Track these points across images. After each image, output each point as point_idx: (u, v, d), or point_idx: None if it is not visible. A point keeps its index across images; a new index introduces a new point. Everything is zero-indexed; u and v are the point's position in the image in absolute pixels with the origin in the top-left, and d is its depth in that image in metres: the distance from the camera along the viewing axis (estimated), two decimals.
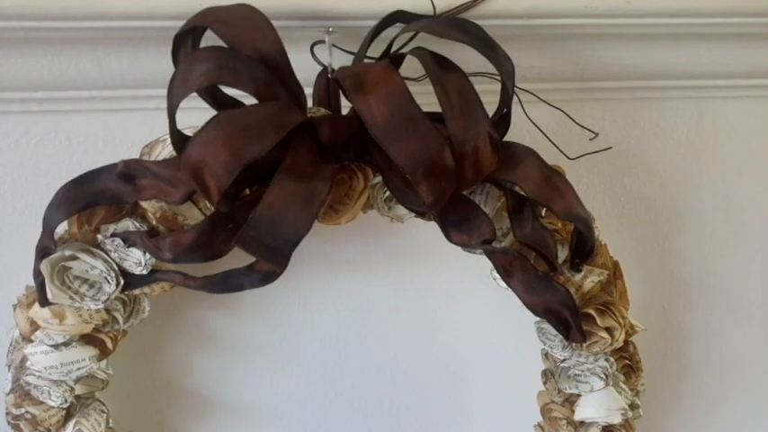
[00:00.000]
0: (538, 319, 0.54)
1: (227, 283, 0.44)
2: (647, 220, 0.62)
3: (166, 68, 0.41)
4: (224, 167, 0.35)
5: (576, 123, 0.47)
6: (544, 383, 0.58)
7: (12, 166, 0.54)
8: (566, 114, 0.47)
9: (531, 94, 0.48)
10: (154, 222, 0.45)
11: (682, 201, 0.61)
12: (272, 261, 0.38)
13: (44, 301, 0.47)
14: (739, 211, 0.62)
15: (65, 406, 0.51)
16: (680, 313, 0.65)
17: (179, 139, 0.38)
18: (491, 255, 0.45)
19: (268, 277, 0.43)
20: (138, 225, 0.46)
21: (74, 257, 0.46)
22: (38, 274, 0.46)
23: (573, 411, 0.55)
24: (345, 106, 0.44)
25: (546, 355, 0.56)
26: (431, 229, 0.57)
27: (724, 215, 0.62)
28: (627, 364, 0.54)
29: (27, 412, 0.51)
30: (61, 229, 0.48)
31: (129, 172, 0.43)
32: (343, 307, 0.60)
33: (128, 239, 0.46)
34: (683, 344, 0.66)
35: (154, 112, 0.53)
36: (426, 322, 0.61)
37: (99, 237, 0.46)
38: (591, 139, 0.47)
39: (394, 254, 0.59)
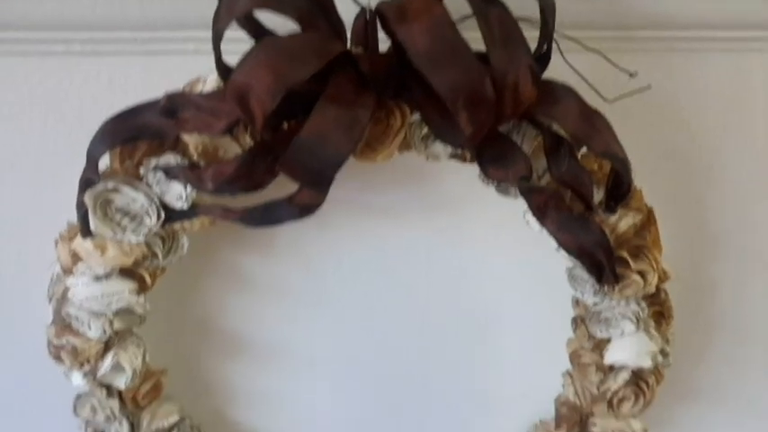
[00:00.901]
0: (570, 265, 0.54)
1: (266, 216, 0.44)
2: (679, 173, 0.61)
3: (207, 10, 0.41)
4: (268, 91, 0.35)
5: (613, 64, 0.46)
6: (574, 330, 0.58)
7: (54, 106, 0.54)
8: (603, 56, 0.46)
9: (570, 38, 0.47)
10: (195, 157, 0.46)
11: (713, 154, 0.60)
12: (314, 185, 0.38)
13: (86, 233, 0.48)
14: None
15: (104, 338, 0.52)
16: (709, 266, 0.64)
17: (224, 67, 0.38)
18: (527, 193, 0.45)
19: (306, 210, 0.44)
20: (179, 159, 0.46)
21: (116, 190, 0.47)
22: (81, 206, 0.47)
23: (602, 356, 0.55)
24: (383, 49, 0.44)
25: (576, 302, 0.56)
26: (461, 178, 0.57)
27: (755, 170, 0.61)
28: (658, 310, 0.54)
29: (68, 343, 0.52)
30: (103, 165, 0.49)
31: (172, 106, 0.43)
32: (374, 252, 0.60)
33: (170, 172, 0.46)
34: (712, 297, 0.65)
35: (193, 56, 0.53)
36: (455, 269, 0.61)
37: (141, 170, 0.47)
38: (631, 76, 0.46)
39: (425, 201, 0.59)
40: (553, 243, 0.51)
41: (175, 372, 0.59)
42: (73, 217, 0.50)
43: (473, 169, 0.55)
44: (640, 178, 0.55)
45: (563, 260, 0.55)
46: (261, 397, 0.64)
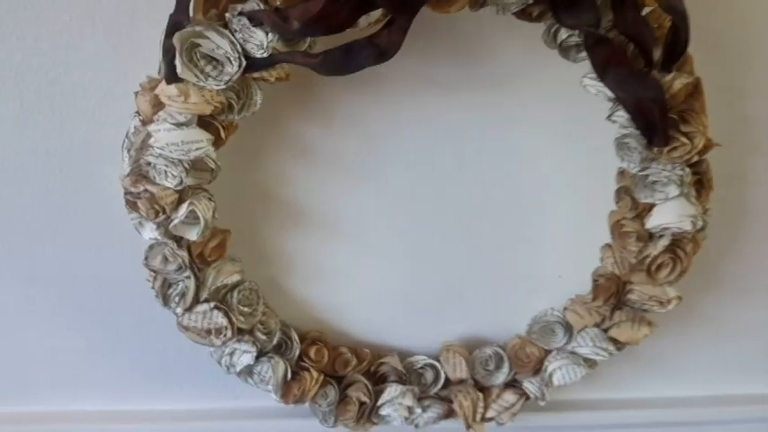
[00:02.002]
0: (620, 134, 0.56)
1: (346, 60, 0.47)
2: (721, 58, 0.62)
3: None
4: None
5: None
6: (617, 202, 0.60)
7: None
8: None
9: None
10: (279, 2, 0.48)
11: (754, 36, 0.61)
12: (400, 9, 0.40)
13: (172, 77, 0.50)
14: None
15: (179, 188, 0.55)
16: (745, 155, 0.66)
17: None
18: (594, 46, 0.47)
19: (384, 53, 0.46)
20: (263, 5, 0.48)
21: (203, 35, 0.49)
22: (169, 50, 0.49)
23: (644, 224, 0.57)
24: None
25: (622, 173, 0.59)
26: (517, 58, 0.59)
27: None
28: (699, 180, 0.56)
29: (146, 190, 0.54)
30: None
31: None
32: (429, 127, 0.62)
33: (254, 18, 0.48)
34: (746, 188, 0.68)
35: None
36: (505, 148, 0.64)
37: (227, 15, 0.49)
38: None
39: (481, 79, 0.61)
40: (599, 109, 0.54)
41: (235, 239, 0.62)
42: (150, 72, 0.52)
43: (527, 46, 0.57)
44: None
45: (612, 132, 0.57)
46: (314, 268, 0.67)
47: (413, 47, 0.57)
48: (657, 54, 0.49)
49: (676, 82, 0.50)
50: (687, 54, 0.51)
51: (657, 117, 0.49)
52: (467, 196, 0.66)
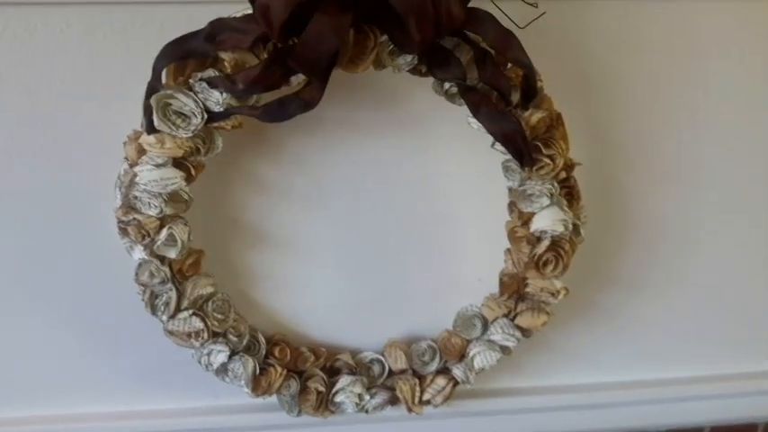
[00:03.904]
0: (504, 159, 0.72)
1: (280, 110, 0.62)
2: (585, 95, 0.76)
3: None
4: (281, 6, 0.53)
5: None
6: (510, 214, 0.75)
7: (122, 51, 0.72)
8: None
9: None
10: (229, 70, 0.63)
11: (615, 79, 0.76)
12: (315, 74, 0.55)
13: (151, 129, 0.65)
14: (665, 87, 0.77)
15: (160, 215, 0.69)
16: (620, 176, 0.81)
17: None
18: (465, 93, 0.62)
19: (309, 104, 0.61)
20: (217, 73, 0.64)
21: (173, 96, 0.64)
22: (147, 108, 0.65)
23: (529, 228, 0.72)
24: None
25: (510, 190, 0.73)
26: (426, 103, 0.74)
27: (650, 91, 0.77)
28: (568, 192, 0.71)
29: (134, 219, 0.69)
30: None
31: (213, 30, 0.61)
32: (361, 162, 0.76)
33: (211, 82, 0.63)
34: (624, 201, 0.82)
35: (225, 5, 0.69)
36: (424, 175, 0.77)
37: (190, 81, 0.64)
38: (533, 5, 0.63)
39: (399, 120, 0.75)
40: (489, 140, 0.69)
41: (208, 257, 0.75)
42: (135, 127, 0.68)
43: (432, 93, 0.73)
44: (558, 104, 0.71)
45: (501, 157, 0.73)
46: (275, 281, 0.81)
47: (342, 99, 0.73)
48: (516, 97, 0.65)
49: (533, 117, 0.65)
50: (543, 95, 0.66)
51: (521, 144, 0.64)
52: (396, 217, 0.80)
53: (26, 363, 0.80)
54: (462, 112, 0.67)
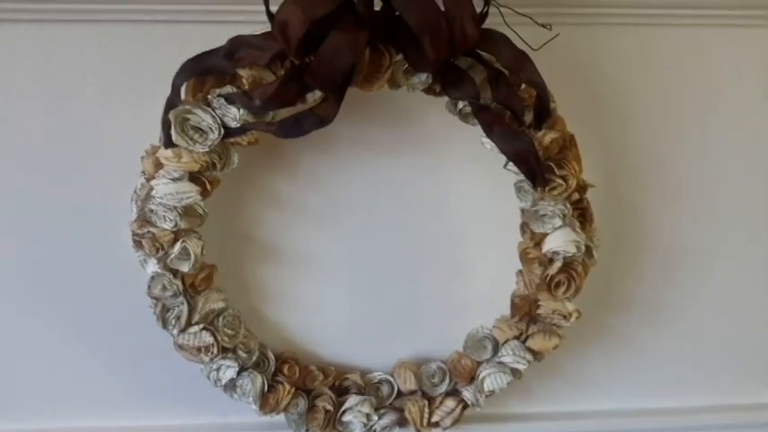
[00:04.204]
0: (516, 180, 0.72)
1: (296, 126, 0.63)
2: (598, 116, 0.77)
3: None
4: (300, 22, 0.54)
5: (532, 20, 0.64)
6: (522, 235, 0.75)
7: (142, 67, 0.73)
8: (528, 17, 0.64)
9: (503, 5, 0.66)
10: (246, 86, 0.65)
11: (627, 100, 0.77)
12: (330, 89, 0.57)
13: (168, 144, 0.67)
14: (677, 108, 0.78)
15: (174, 229, 0.71)
16: (634, 198, 0.81)
17: (269, 14, 0.58)
18: (479, 112, 0.63)
19: (323, 120, 0.62)
20: (235, 89, 0.66)
21: (191, 111, 0.66)
22: (166, 123, 0.66)
23: (542, 250, 0.72)
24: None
25: (523, 211, 0.74)
26: (440, 123, 0.75)
27: (662, 112, 0.79)
28: (581, 213, 0.71)
29: (149, 232, 0.70)
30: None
31: (232, 47, 0.62)
32: (375, 180, 0.77)
33: (228, 98, 0.65)
34: (637, 223, 0.82)
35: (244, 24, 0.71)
36: (437, 195, 0.78)
37: (209, 97, 0.66)
38: (546, 27, 0.64)
39: (413, 139, 0.76)
40: (502, 160, 0.70)
41: (220, 272, 0.76)
42: (152, 141, 0.69)
43: (447, 113, 0.74)
44: (571, 125, 0.72)
45: (514, 178, 0.73)
46: (287, 298, 0.81)
47: (357, 117, 0.75)
48: (530, 117, 0.66)
49: (546, 137, 0.66)
50: (556, 116, 0.67)
51: (534, 164, 0.65)
52: (410, 236, 0.81)
53: (34, 375, 0.81)
54: (476, 132, 0.68)
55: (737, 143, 0.81)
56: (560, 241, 0.68)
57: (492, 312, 0.81)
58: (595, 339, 0.85)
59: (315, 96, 0.64)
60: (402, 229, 0.79)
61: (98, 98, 0.71)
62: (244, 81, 0.64)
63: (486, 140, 0.66)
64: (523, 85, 0.65)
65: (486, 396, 0.78)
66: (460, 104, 0.66)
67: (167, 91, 0.64)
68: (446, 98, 0.67)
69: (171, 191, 0.67)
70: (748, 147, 0.82)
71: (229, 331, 0.76)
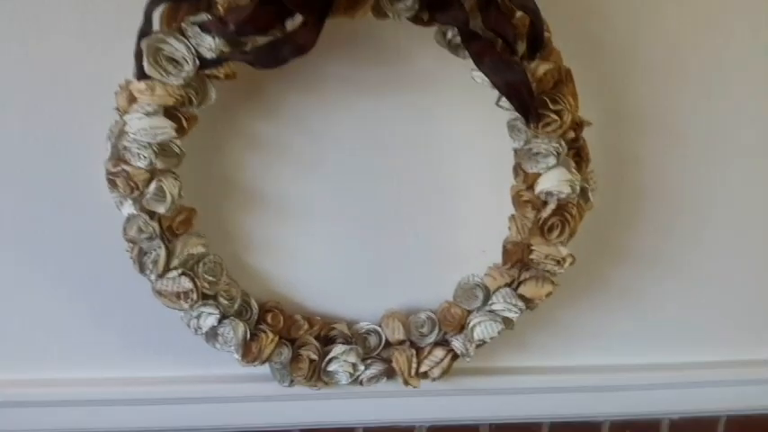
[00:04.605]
0: (510, 117, 0.69)
1: (272, 54, 0.60)
2: (598, 56, 0.74)
3: None
4: None
5: None
6: (515, 177, 0.72)
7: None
8: None
9: None
10: (222, 12, 0.62)
11: (631, 45, 0.74)
12: (307, 10, 0.53)
13: (141, 75, 0.63)
14: (681, 52, 0.75)
15: (150, 168, 0.68)
16: (634, 143, 0.78)
17: None
18: (468, 41, 0.60)
19: (302, 48, 0.59)
20: (210, 17, 0.62)
21: (164, 41, 0.63)
22: (138, 54, 0.63)
23: (534, 192, 0.69)
24: None
25: (515, 152, 0.71)
26: (430, 61, 0.71)
27: (665, 58, 0.75)
28: (576, 153, 0.68)
29: (123, 170, 0.67)
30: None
31: None
32: (362, 122, 0.74)
33: (203, 26, 0.62)
34: (637, 169, 0.79)
35: None
36: (427, 138, 0.75)
37: (183, 26, 0.63)
38: None
39: (402, 79, 0.73)
40: (495, 96, 0.66)
41: (201, 218, 0.73)
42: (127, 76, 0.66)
43: (438, 51, 0.70)
44: (571, 64, 0.69)
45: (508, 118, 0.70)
46: (270, 245, 0.79)
47: (344, 55, 0.71)
48: (523, 47, 0.62)
49: (540, 68, 0.62)
50: (551, 47, 0.63)
51: (527, 97, 0.61)
52: (399, 181, 0.77)
53: (6, 324, 0.79)
54: (467, 69, 0.64)
55: (745, 90, 0.78)
56: (554, 181, 0.66)
57: (485, 262, 0.78)
58: (592, 291, 0.82)
59: (294, 24, 0.61)
60: (391, 174, 0.76)
61: (71, 31, 0.68)
62: (219, 7, 0.61)
63: (478, 74, 0.63)
64: (518, 14, 0.61)
65: (477, 346, 0.76)
66: (450, 34, 0.63)
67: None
68: (435, 30, 0.63)
69: (145, 125, 0.64)
70: (754, 93, 0.78)
71: (210, 278, 0.73)
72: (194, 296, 0.72)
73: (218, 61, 0.62)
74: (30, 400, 0.78)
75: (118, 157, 0.67)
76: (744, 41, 0.75)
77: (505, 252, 0.72)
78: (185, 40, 0.62)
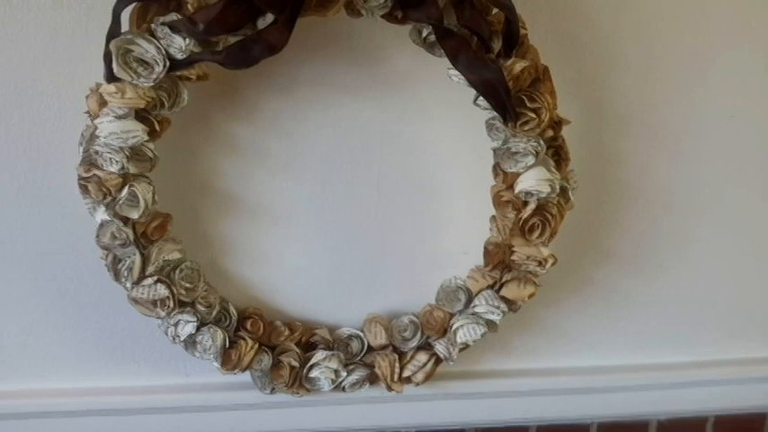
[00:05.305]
0: (488, 117, 0.68)
1: (243, 53, 0.59)
2: (580, 58, 0.73)
3: None
4: None
5: None
6: (495, 177, 0.71)
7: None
8: None
9: None
10: (191, 11, 0.61)
11: (611, 43, 0.73)
12: (277, 8, 0.52)
13: (111, 78, 0.62)
14: (665, 49, 0.74)
15: (122, 172, 0.66)
16: (616, 142, 0.77)
17: None
18: (442, 38, 0.59)
19: (272, 48, 0.58)
20: (179, 16, 0.61)
21: (133, 42, 0.62)
22: (107, 56, 0.62)
23: (514, 192, 0.68)
24: None
25: (495, 152, 0.70)
26: (407, 62, 0.71)
27: (646, 56, 0.74)
28: (555, 152, 0.67)
29: (94, 175, 0.66)
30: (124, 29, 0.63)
31: None
32: (339, 124, 0.73)
33: (173, 26, 0.61)
34: (620, 169, 0.78)
35: None
36: (406, 140, 0.74)
37: (152, 26, 0.61)
38: None
39: (379, 80, 0.72)
40: (472, 95, 0.66)
41: (177, 224, 0.72)
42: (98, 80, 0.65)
43: (414, 51, 0.69)
44: (549, 62, 0.68)
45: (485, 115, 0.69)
46: (249, 251, 0.77)
47: (321, 58, 0.70)
48: (498, 44, 0.61)
49: (516, 65, 0.61)
50: (528, 44, 0.63)
51: (503, 94, 0.60)
52: (378, 184, 0.76)
53: None
54: (445, 70, 0.63)
55: (729, 89, 0.77)
56: (533, 181, 0.65)
57: (467, 264, 0.77)
58: (576, 292, 0.82)
59: (266, 23, 0.60)
60: (369, 177, 0.75)
61: (41, 35, 0.66)
62: (189, 6, 0.60)
63: (454, 72, 0.62)
64: (494, 11, 0.60)
65: (460, 349, 0.75)
66: (425, 32, 0.62)
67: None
68: (411, 28, 0.63)
69: (115, 129, 0.63)
70: (738, 92, 0.77)
71: (187, 284, 0.72)
72: (171, 303, 0.70)
73: (189, 62, 0.61)
74: (3, 412, 0.76)
75: (90, 161, 0.65)
76: (724, 39, 0.75)
77: (487, 253, 0.71)
78: (155, 41, 0.61)
